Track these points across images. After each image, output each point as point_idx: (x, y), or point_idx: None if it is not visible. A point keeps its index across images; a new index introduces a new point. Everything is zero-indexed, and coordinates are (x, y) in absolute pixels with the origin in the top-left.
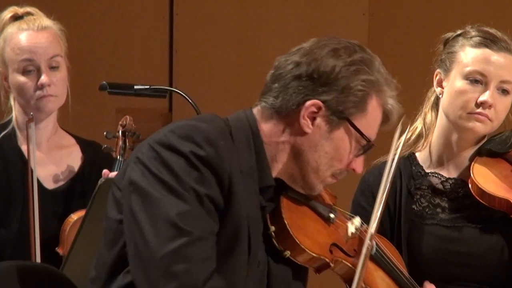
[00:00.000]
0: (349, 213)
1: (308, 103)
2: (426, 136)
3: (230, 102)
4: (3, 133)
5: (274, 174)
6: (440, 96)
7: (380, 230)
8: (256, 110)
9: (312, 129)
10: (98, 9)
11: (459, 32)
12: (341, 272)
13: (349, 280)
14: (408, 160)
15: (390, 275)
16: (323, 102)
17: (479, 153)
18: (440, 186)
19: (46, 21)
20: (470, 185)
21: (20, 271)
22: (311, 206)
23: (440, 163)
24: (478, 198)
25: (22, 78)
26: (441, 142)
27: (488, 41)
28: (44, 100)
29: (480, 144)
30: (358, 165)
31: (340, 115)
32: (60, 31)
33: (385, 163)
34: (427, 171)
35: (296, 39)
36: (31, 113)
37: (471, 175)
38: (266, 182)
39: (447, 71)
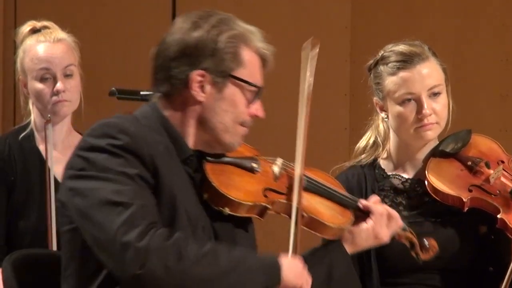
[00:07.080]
0: (271, 158)
1: (192, 75)
2: (383, 144)
3: None
4: (22, 134)
5: (192, 147)
6: (386, 119)
7: None
8: (156, 101)
9: (205, 96)
10: (108, 23)
11: (377, 57)
12: (281, 210)
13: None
14: (371, 165)
15: (327, 197)
16: (203, 70)
17: (433, 154)
18: (401, 186)
19: (61, 34)
20: (426, 184)
21: (38, 258)
22: (234, 163)
23: (400, 165)
24: (433, 196)
25: (39, 85)
26: (398, 149)
27: (402, 63)
28: (59, 105)
29: (434, 144)
30: (258, 110)
31: (223, 74)
32: (74, 43)
33: (351, 167)
34: (389, 173)
35: (279, 50)
36: (49, 116)
37: (426, 175)
38: (184, 154)
39: (381, 99)
